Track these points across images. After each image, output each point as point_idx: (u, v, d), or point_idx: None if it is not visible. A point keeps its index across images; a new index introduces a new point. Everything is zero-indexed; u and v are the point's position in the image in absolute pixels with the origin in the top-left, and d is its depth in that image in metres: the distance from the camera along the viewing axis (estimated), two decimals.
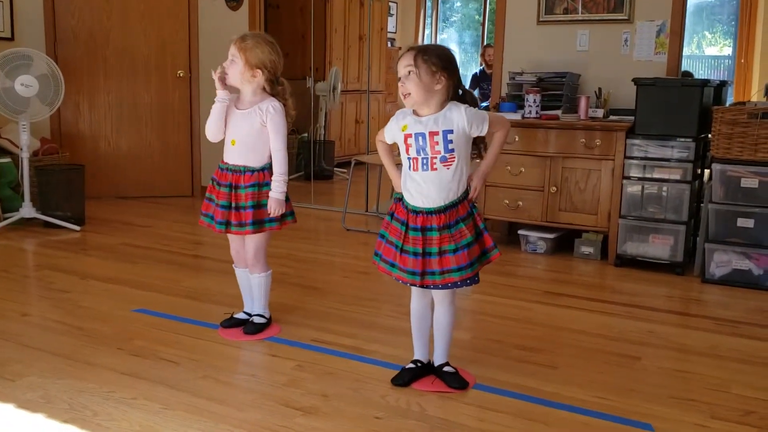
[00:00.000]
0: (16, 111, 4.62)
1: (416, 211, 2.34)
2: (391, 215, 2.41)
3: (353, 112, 8.38)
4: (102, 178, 5.84)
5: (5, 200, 4.87)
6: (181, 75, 5.97)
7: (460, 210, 2.34)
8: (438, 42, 11.02)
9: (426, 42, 11.06)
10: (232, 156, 2.83)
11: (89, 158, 5.69)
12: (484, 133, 2.35)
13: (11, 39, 5.40)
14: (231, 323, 3.02)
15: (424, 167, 2.31)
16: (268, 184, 2.82)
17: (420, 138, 2.31)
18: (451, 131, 2.30)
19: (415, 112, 2.35)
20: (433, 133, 2.30)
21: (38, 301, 3.42)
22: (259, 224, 2.82)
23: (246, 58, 2.72)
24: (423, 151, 2.31)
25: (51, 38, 5.67)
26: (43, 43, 5.59)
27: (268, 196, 2.81)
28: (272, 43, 2.78)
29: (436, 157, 2.30)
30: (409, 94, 2.29)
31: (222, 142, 2.87)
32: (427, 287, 2.40)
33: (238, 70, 2.75)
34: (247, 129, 2.79)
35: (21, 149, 4.73)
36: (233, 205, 2.81)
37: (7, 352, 2.72)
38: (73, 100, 5.73)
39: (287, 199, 2.89)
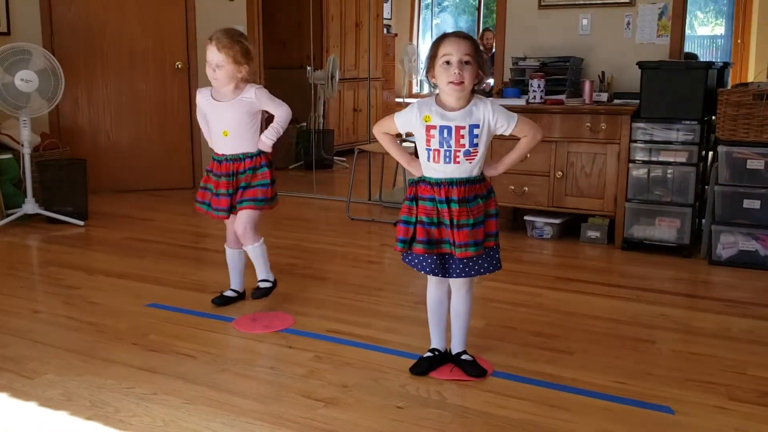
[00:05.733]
0: (16, 106, 4.58)
1: (439, 183, 2.32)
2: (413, 198, 2.38)
3: (351, 101, 8.35)
4: (102, 172, 5.80)
5: (8, 197, 4.84)
6: (180, 66, 5.93)
7: (478, 188, 2.35)
8: (433, 27, 10.99)
9: (422, 28, 11.02)
10: (227, 147, 2.99)
11: (89, 152, 5.66)
12: (509, 132, 2.35)
13: (7, 34, 5.35)
14: (222, 301, 3.19)
15: (447, 160, 2.30)
16: (263, 166, 3.00)
17: (445, 131, 2.28)
18: (478, 126, 2.28)
19: (440, 104, 2.32)
20: (459, 128, 2.27)
21: (48, 297, 3.41)
22: (254, 201, 2.97)
23: (235, 60, 2.86)
24: (447, 144, 2.29)
25: (47, 32, 5.62)
26: (39, 37, 5.53)
27: (261, 177, 2.98)
28: (241, 33, 2.96)
29: (459, 151, 2.29)
30: (463, 82, 2.23)
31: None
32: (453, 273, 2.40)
33: (225, 72, 2.87)
34: (237, 119, 2.95)
35: (22, 145, 4.70)
36: (232, 191, 2.98)
37: (22, 350, 2.72)
38: (72, 94, 5.67)
39: (273, 183, 3.05)
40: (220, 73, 2.87)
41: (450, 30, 2.48)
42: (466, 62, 2.23)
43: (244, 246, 3.09)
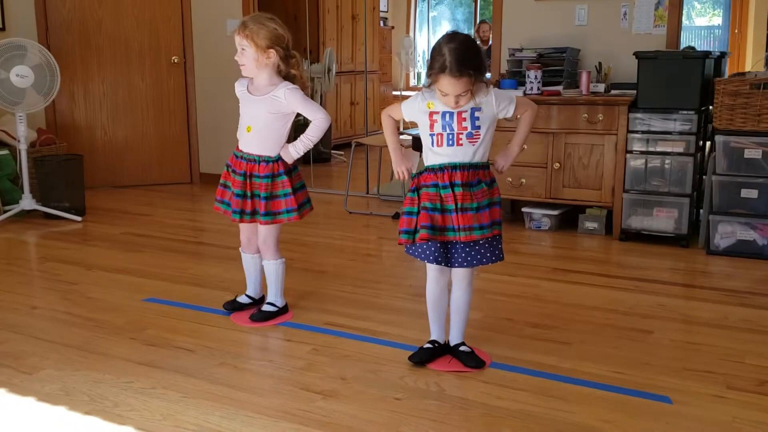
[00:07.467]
0: (12, 102, 4.57)
1: (442, 167, 2.34)
2: (415, 190, 2.40)
3: (348, 94, 8.33)
4: (99, 168, 5.79)
5: (5, 193, 4.84)
6: (176, 61, 5.91)
7: (482, 175, 2.37)
8: (430, 20, 10.96)
9: (419, 21, 10.99)
10: (248, 144, 2.81)
11: (86, 148, 5.65)
12: (510, 115, 2.40)
13: (2, 29, 5.33)
14: (233, 306, 3.04)
15: (450, 142, 2.33)
16: (281, 174, 2.79)
17: (447, 115, 2.33)
18: (479, 109, 2.32)
19: None
20: (461, 111, 2.32)
21: (46, 293, 3.41)
22: (272, 215, 2.81)
23: (256, 44, 2.68)
24: (449, 127, 2.33)
25: (43, 28, 5.60)
26: (35, 33, 5.52)
27: (281, 187, 2.79)
28: (273, 19, 2.75)
29: (462, 133, 2.32)
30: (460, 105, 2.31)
31: (223, 129, 2.84)
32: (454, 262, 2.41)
33: (252, 58, 2.71)
34: (263, 115, 2.77)
35: (18, 141, 4.69)
36: (248, 193, 2.80)
37: (20, 345, 2.72)
38: (68, 89, 5.66)
39: (303, 187, 2.89)
40: (244, 59, 2.70)
41: (445, 24, 2.46)
42: (466, 92, 2.27)
43: (263, 259, 2.96)
